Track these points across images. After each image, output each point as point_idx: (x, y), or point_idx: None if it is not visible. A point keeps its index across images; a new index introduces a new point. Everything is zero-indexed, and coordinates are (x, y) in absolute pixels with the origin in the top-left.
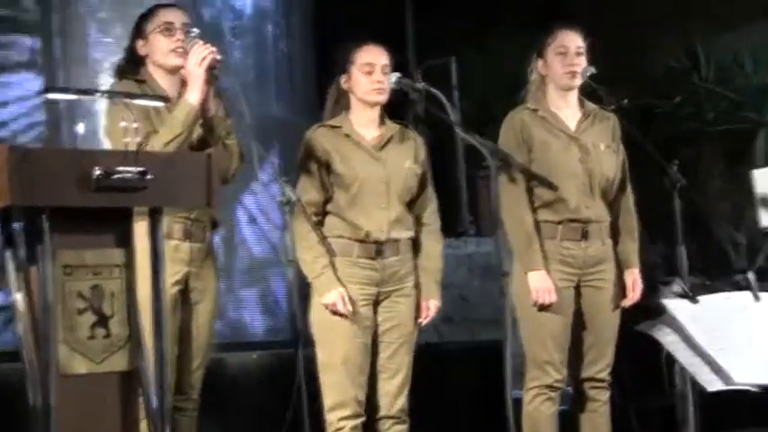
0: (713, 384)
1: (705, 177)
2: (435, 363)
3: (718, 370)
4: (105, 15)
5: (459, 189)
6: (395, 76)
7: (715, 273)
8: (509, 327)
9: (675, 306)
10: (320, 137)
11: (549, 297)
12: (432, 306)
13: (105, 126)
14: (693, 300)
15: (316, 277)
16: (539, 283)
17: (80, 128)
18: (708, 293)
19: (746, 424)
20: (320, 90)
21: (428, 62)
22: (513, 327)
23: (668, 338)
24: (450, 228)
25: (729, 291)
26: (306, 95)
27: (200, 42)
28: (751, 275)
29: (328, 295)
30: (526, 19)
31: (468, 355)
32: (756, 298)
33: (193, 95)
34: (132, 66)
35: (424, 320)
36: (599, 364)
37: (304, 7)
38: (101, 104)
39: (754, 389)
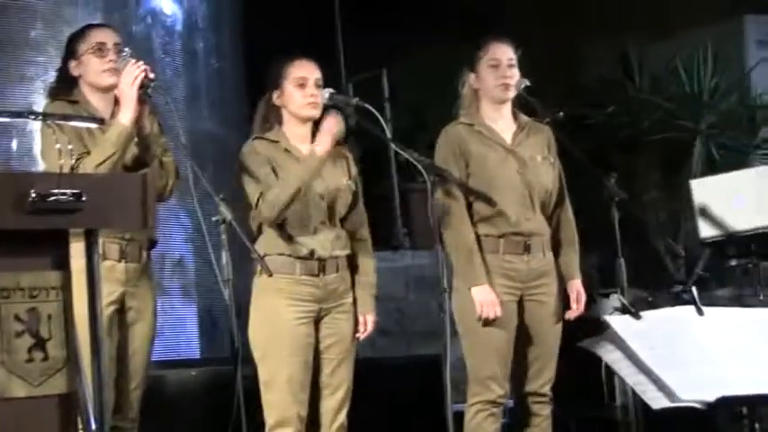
0: (659, 402)
1: (642, 187)
2: (374, 377)
3: (663, 387)
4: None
5: (393, 202)
6: (328, 91)
7: (654, 284)
8: (448, 342)
9: (618, 323)
10: (261, 147)
11: (494, 311)
12: (369, 321)
13: (41, 148)
14: (636, 316)
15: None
16: (483, 297)
17: (14, 145)
18: (649, 308)
19: None
20: (251, 106)
21: (359, 75)
22: (451, 341)
23: (612, 356)
24: (385, 241)
25: (671, 305)
26: (237, 111)
27: (133, 61)
28: (694, 289)
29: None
30: (456, 31)
31: (405, 370)
32: (700, 312)
33: (125, 116)
34: (65, 86)
35: (361, 335)
36: (541, 378)
37: (234, 23)
38: (35, 124)
39: (699, 406)
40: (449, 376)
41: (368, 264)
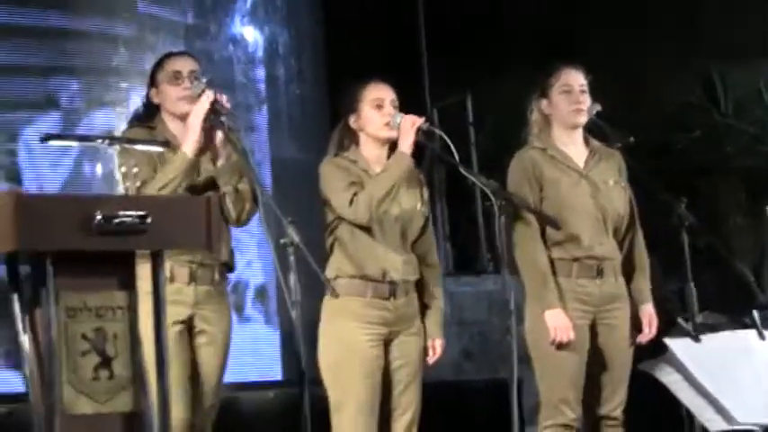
0: (716, 424)
1: (725, 213)
2: (453, 399)
3: (720, 409)
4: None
5: (478, 227)
6: (400, 116)
7: (740, 309)
8: (515, 364)
9: (677, 345)
10: (341, 162)
11: (568, 335)
12: (438, 345)
13: (119, 171)
14: (696, 339)
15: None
16: (557, 322)
17: (98, 169)
18: (713, 332)
19: None
20: (332, 130)
21: (444, 101)
22: (523, 364)
23: (670, 378)
24: (469, 265)
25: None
26: (319, 137)
27: (208, 92)
28: (755, 313)
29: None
30: (539, 56)
31: (485, 392)
32: (761, 336)
33: (187, 145)
34: (148, 114)
35: (431, 359)
36: (613, 401)
37: (315, 49)
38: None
39: (756, 428)
40: (515, 398)
41: (436, 289)
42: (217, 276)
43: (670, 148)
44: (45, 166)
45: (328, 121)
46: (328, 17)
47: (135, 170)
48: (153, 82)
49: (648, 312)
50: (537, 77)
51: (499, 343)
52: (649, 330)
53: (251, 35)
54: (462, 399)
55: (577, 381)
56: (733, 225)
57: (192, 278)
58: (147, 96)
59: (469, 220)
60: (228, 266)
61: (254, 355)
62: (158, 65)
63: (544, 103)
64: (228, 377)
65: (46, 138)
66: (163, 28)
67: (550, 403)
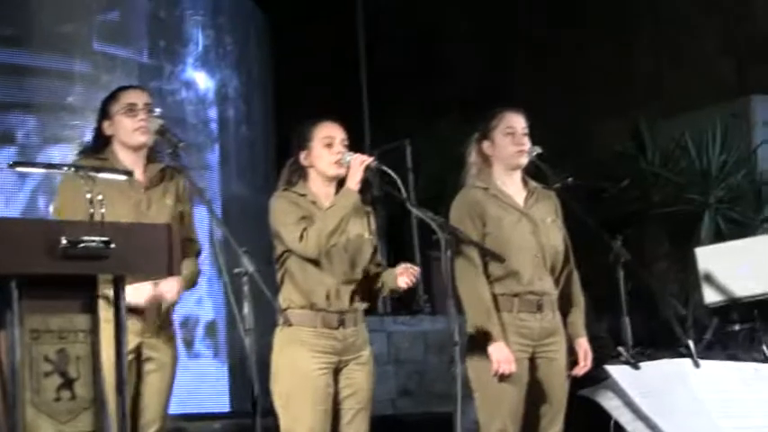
0: None
1: (651, 258)
2: None
3: None
4: (73, 99)
5: None
6: (349, 155)
7: (662, 347)
8: (458, 396)
9: (618, 372)
10: (291, 197)
11: (510, 367)
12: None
13: (59, 200)
14: (635, 366)
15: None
16: (500, 355)
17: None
18: (650, 360)
19: None
20: (279, 170)
21: (384, 146)
22: (466, 401)
23: (611, 403)
24: (406, 306)
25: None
26: (266, 176)
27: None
28: (691, 343)
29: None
30: (472, 105)
31: (421, 427)
32: (696, 365)
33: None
34: (98, 145)
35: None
36: (554, 427)
37: (264, 94)
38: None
39: None
40: (459, 422)
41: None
42: (162, 306)
43: (600, 195)
44: (0, 200)
45: (274, 162)
46: (277, 64)
47: (100, 197)
48: (106, 114)
49: (584, 346)
50: (469, 125)
51: (434, 381)
52: (585, 363)
53: (202, 78)
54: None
55: (516, 412)
56: (658, 270)
57: (141, 308)
58: (99, 128)
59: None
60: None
61: (202, 388)
62: (111, 98)
63: (486, 144)
64: (176, 409)
65: (13, 165)
66: (118, 67)
67: None
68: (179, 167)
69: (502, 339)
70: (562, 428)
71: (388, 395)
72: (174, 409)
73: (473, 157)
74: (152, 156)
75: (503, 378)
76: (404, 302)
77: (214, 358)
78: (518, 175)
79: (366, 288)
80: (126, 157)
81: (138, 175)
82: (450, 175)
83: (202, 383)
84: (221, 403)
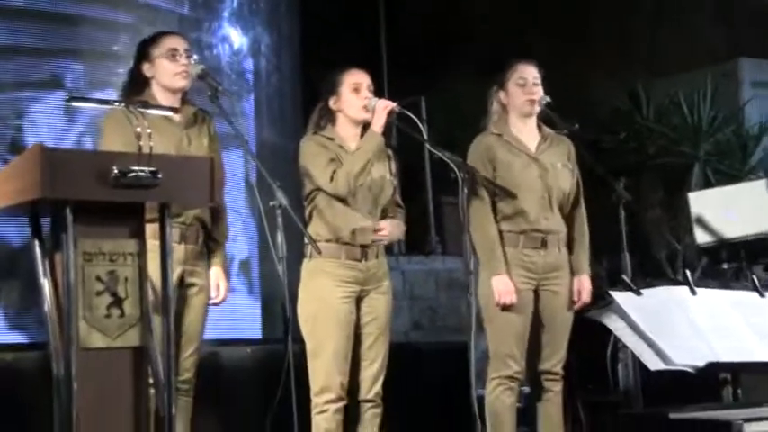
0: (655, 364)
1: (646, 205)
2: (407, 360)
3: (659, 352)
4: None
5: (428, 213)
6: (374, 99)
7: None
8: (473, 321)
9: (621, 297)
10: (320, 140)
11: (511, 298)
12: None
13: (103, 137)
14: (637, 292)
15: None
16: (501, 286)
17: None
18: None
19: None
20: (306, 119)
21: (400, 101)
22: (477, 332)
23: (615, 324)
24: (420, 247)
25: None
26: (295, 124)
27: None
28: (688, 272)
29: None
30: (483, 66)
31: (436, 355)
32: (693, 292)
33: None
34: (137, 86)
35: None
36: (554, 358)
37: (292, 49)
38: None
39: (690, 369)
40: (473, 356)
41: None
42: (201, 237)
43: (599, 147)
44: (49, 141)
45: (302, 111)
46: (304, 22)
47: (149, 131)
48: (146, 56)
49: (580, 282)
50: (479, 85)
51: (446, 316)
52: (581, 298)
53: (237, 36)
54: (417, 360)
55: (522, 338)
56: (652, 216)
57: (182, 238)
58: (138, 70)
59: (420, 207)
60: (206, 228)
61: (235, 320)
62: (152, 41)
63: (502, 94)
64: (210, 335)
65: (69, 99)
66: (159, 18)
67: (498, 357)
68: (209, 112)
69: (504, 272)
70: (564, 356)
71: (402, 327)
72: (207, 335)
73: (494, 106)
74: (185, 99)
75: (506, 308)
76: (417, 243)
77: (248, 295)
78: (532, 122)
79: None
80: (164, 99)
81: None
82: (459, 128)
83: (236, 316)
84: (254, 333)
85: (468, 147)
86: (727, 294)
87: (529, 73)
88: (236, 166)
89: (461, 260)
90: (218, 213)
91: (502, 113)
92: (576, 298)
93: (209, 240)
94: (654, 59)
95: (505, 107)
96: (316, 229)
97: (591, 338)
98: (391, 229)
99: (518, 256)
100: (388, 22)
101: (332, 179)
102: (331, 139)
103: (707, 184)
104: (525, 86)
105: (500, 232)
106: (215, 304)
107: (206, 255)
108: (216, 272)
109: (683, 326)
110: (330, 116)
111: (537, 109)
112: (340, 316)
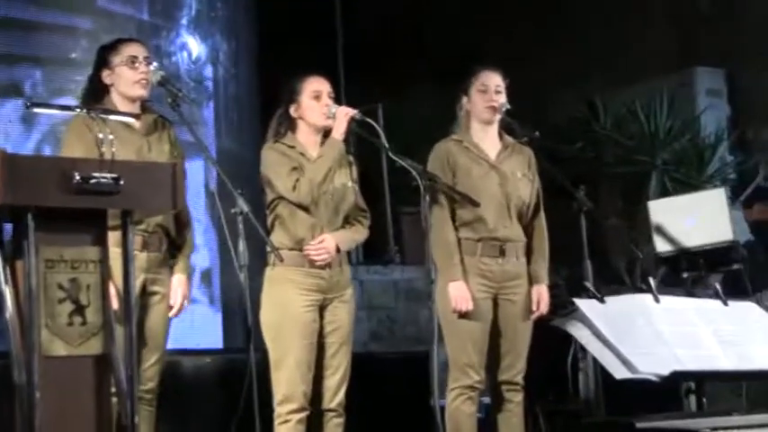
0: (620, 372)
1: (604, 214)
2: (369, 370)
3: (624, 360)
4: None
5: (386, 223)
6: (335, 106)
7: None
8: (435, 333)
9: (585, 304)
10: (281, 148)
11: (467, 305)
12: None
13: (64, 144)
14: (601, 300)
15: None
16: (457, 292)
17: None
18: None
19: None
20: (264, 127)
21: (358, 108)
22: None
23: (580, 333)
24: (378, 257)
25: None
26: (252, 132)
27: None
28: (651, 280)
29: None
30: (440, 73)
31: (396, 366)
32: (656, 299)
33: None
34: (96, 93)
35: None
36: (514, 369)
37: (250, 58)
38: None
39: (655, 378)
40: (436, 363)
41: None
42: (164, 245)
43: (557, 156)
44: (7, 149)
45: (259, 119)
46: (262, 29)
47: (111, 137)
48: (105, 63)
49: (539, 292)
50: (437, 93)
51: (404, 326)
52: (538, 309)
53: (195, 44)
54: (377, 370)
55: (481, 347)
56: (610, 226)
57: (145, 246)
58: (98, 77)
59: (377, 217)
60: (169, 235)
61: (196, 330)
62: (112, 48)
63: (465, 99)
64: (171, 345)
65: (30, 105)
66: (118, 25)
67: (457, 366)
68: (169, 119)
69: (461, 278)
70: (524, 366)
71: (361, 338)
72: (169, 345)
73: (461, 111)
74: (145, 106)
75: (463, 315)
76: (376, 253)
77: (210, 305)
78: (494, 129)
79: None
80: (123, 106)
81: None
82: (417, 136)
83: (197, 327)
84: (215, 342)
85: (427, 154)
86: (690, 302)
87: (491, 80)
88: (195, 173)
89: (420, 270)
90: (181, 221)
91: (465, 120)
92: (534, 308)
93: (173, 248)
94: (610, 68)
95: (468, 113)
96: (278, 237)
97: (551, 347)
98: (335, 242)
99: (476, 265)
100: (344, 28)
101: (294, 188)
102: (292, 147)
103: (664, 192)
104: (486, 93)
105: (458, 240)
106: (174, 314)
107: (169, 262)
108: (177, 279)
109: (647, 334)
110: (290, 123)
111: (497, 116)
112: (303, 325)
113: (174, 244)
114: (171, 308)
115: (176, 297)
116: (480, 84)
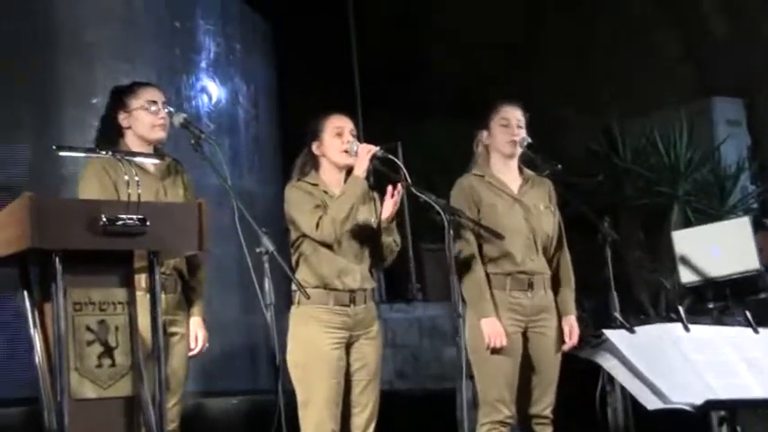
0: (652, 403)
1: (626, 247)
2: (394, 408)
3: (656, 391)
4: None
5: (408, 260)
6: (355, 143)
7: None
8: (464, 369)
9: (614, 335)
10: (305, 187)
11: (501, 341)
12: None
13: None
14: (631, 330)
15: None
16: (491, 329)
17: None
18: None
19: None
20: (283, 167)
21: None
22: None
23: (609, 363)
24: (401, 294)
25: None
26: (271, 171)
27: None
28: (681, 309)
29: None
30: (455, 108)
31: (421, 403)
32: (686, 328)
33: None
34: (111, 136)
35: None
36: (543, 402)
37: (269, 98)
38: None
39: (688, 408)
40: (465, 401)
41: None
42: (179, 286)
43: (577, 189)
44: None
45: (279, 158)
46: (280, 70)
47: (136, 179)
48: (123, 106)
49: (570, 323)
50: (453, 126)
51: (429, 363)
52: (570, 339)
53: (215, 88)
54: (402, 408)
55: (512, 382)
56: (632, 259)
57: (162, 287)
58: (114, 119)
59: (399, 255)
60: (185, 280)
61: (219, 370)
62: (129, 91)
63: (485, 134)
64: (194, 386)
65: (57, 148)
66: (138, 75)
67: (488, 402)
68: (181, 163)
69: (494, 315)
70: (553, 399)
71: (386, 376)
72: (192, 387)
73: (479, 147)
74: (158, 150)
75: (495, 351)
76: (398, 291)
77: (232, 344)
78: (514, 163)
79: (378, 256)
80: (139, 149)
81: (150, 166)
82: (435, 171)
83: (219, 366)
84: (239, 383)
85: (445, 190)
86: (721, 330)
87: (513, 114)
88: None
89: (443, 307)
90: (194, 262)
91: (485, 155)
92: (567, 339)
93: (187, 289)
94: (627, 98)
95: (488, 148)
96: (303, 275)
97: (579, 379)
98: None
99: (506, 299)
100: (360, 68)
101: (318, 226)
102: (315, 184)
103: (686, 223)
104: (508, 127)
105: (487, 275)
106: (193, 356)
107: (185, 304)
108: (195, 321)
109: (678, 363)
110: (314, 162)
111: (518, 150)
112: (330, 363)
113: (188, 285)
114: (191, 349)
115: (197, 339)
116: (502, 118)
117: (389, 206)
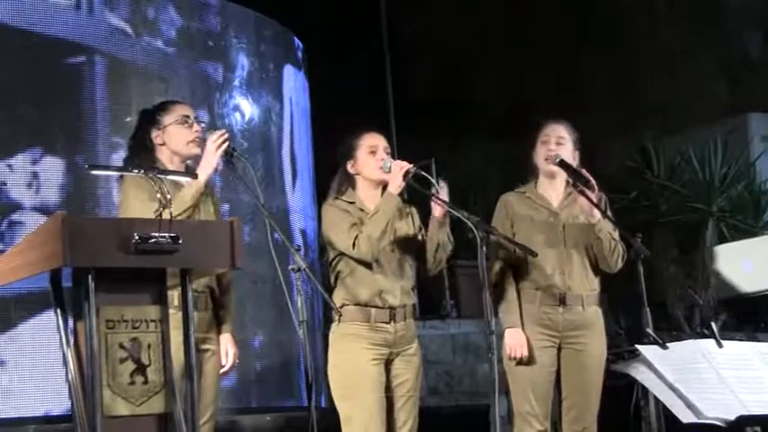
0: (686, 417)
1: (660, 264)
2: (429, 425)
3: (689, 405)
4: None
5: (442, 277)
6: (389, 161)
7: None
8: (496, 384)
9: (648, 350)
10: (341, 205)
11: (522, 351)
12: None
13: (123, 198)
14: (663, 346)
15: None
16: (512, 339)
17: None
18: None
19: None
20: (316, 184)
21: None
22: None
23: (643, 375)
24: (434, 311)
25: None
26: (305, 187)
27: (220, 131)
28: (713, 324)
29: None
30: (494, 127)
31: (455, 420)
32: (719, 344)
33: (203, 175)
34: (143, 153)
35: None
36: (581, 422)
37: (301, 115)
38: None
39: (721, 423)
40: (498, 416)
41: None
42: (210, 304)
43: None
44: None
45: (313, 176)
46: (312, 87)
47: (169, 196)
48: (156, 123)
49: None
50: (487, 146)
51: (462, 379)
52: None
53: (247, 105)
54: (436, 425)
55: (545, 397)
56: (667, 275)
57: (194, 305)
58: (146, 137)
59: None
60: (215, 298)
61: (251, 386)
62: (162, 109)
63: (534, 153)
64: (228, 403)
65: (90, 167)
66: (170, 94)
67: (520, 416)
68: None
69: (517, 325)
70: (593, 420)
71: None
72: (225, 403)
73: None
74: (187, 166)
75: (522, 362)
76: (432, 308)
77: (267, 361)
78: (559, 181)
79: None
80: (171, 166)
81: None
82: (471, 192)
83: (253, 383)
84: (272, 399)
85: (478, 206)
86: (754, 347)
87: (553, 131)
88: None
89: (477, 323)
90: (225, 280)
91: (535, 172)
92: None
93: (218, 307)
94: (661, 116)
95: (534, 166)
96: (342, 294)
97: (613, 395)
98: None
99: (536, 314)
100: (394, 85)
101: (354, 245)
102: (352, 202)
103: (721, 239)
104: (547, 144)
105: (518, 290)
106: (225, 373)
107: (215, 321)
108: (226, 338)
109: (711, 379)
110: (350, 180)
111: (551, 167)
112: (371, 379)
113: (219, 303)
114: (222, 366)
115: (228, 356)
116: (544, 134)
117: (438, 208)
